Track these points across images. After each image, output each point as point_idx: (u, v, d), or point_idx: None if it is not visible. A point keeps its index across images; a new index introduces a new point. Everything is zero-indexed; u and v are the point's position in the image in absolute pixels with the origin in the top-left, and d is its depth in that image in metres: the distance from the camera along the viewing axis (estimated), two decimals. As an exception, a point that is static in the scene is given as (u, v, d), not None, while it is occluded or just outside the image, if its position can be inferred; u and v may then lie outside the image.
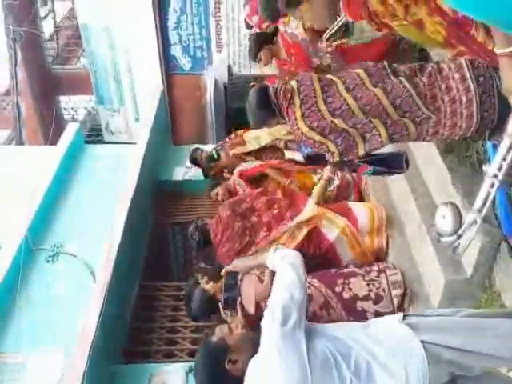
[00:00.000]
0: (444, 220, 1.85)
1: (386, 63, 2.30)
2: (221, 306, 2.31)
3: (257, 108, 2.53)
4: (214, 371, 1.77)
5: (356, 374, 1.62)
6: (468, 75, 2.03)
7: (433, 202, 3.35)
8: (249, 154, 4.36)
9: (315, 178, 3.85)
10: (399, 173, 3.33)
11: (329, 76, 2.40)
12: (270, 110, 2.47)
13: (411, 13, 1.38)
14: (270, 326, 1.70)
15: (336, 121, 2.26)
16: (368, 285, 3.25)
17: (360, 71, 2.31)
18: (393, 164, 3.03)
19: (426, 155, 3.45)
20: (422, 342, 1.67)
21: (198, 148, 4.73)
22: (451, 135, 2.25)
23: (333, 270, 3.69)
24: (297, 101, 2.32)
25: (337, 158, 2.37)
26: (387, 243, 3.59)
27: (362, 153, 2.35)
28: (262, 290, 3.03)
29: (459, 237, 1.82)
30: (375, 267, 3.62)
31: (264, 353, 1.69)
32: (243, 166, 4.13)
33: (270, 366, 1.65)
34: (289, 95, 2.33)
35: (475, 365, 1.68)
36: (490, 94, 2.04)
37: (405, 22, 1.43)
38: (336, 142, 2.29)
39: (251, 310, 2.28)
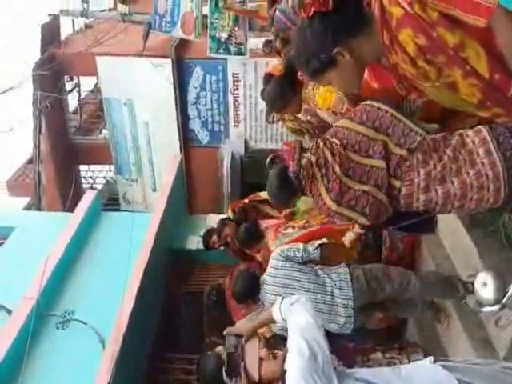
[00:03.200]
0: (485, 287, 1.76)
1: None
2: (224, 371, 2.16)
3: (278, 189, 2.54)
4: None
5: None
6: (493, 150, 1.97)
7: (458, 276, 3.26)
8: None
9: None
10: (428, 233, 3.25)
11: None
12: (291, 189, 2.48)
13: (444, 75, 1.39)
14: (296, 361, 1.57)
15: (358, 186, 2.24)
16: (389, 363, 3.13)
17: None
18: (422, 226, 2.95)
19: (449, 229, 3.39)
20: (458, 380, 1.55)
21: (212, 231, 4.53)
22: (477, 208, 2.16)
23: (350, 345, 3.57)
24: (318, 175, 2.32)
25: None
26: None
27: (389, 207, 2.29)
28: (275, 366, 2.90)
29: (503, 307, 1.71)
30: (396, 344, 3.49)
31: None
32: (280, 241, 3.67)
33: None
34: (310, 172, 2.34)
35: None
36: None
37: (437, 84, 1.44)
38: (364, 212, 2.25)
39: (255, 375, 2.12)
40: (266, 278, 3.16)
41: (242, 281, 3.21)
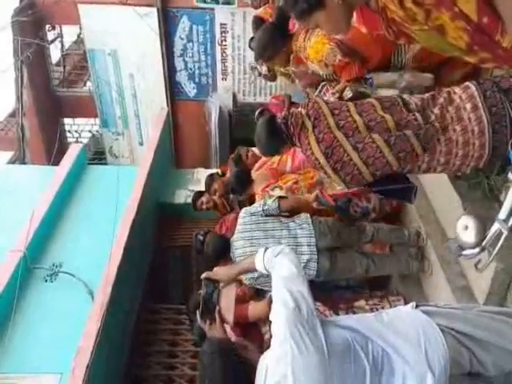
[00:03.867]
0: (466, 231, 1.78)
1: (398, 97, 2.28)
2: (198, 314, 2.19)
3: (267, 139, 2.51)
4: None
5: (374, 365, 1.55)
6: (480, 105, 1.99)
7: (442, 228, 3.31)
8: None
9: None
10: (406, 202, 3.30)
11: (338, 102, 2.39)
12: (280, 139, 2.44)
13: (432, 18, 1.35)
14: (281, 312, 1.60)
15: (349, 150, 2.20)
16: (372, 309, 3.27)
17: (372, 100, 2.28)
18: (401, 194, 2.98)
19: (434, 182, 3.42)
20: (438, 325, 1.61)
21: (200, 197, 4.53)
22: (462, 166, 2.19)
23: (335, 294, 3.69)
24: (308, 125, 2.27)
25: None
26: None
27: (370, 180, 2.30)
28: (262, 308, 2.98)
29: (483, 249, 1.75)
30: (378, 293, 3.62)
31: (277, 342, 1.57)
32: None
33: (285, 353, 1.53)
34: (300, 121, 2.30)
35: (488, 359, 1.61)
36: (503, 124, 2.00)
37: (425, 27, 1.40)
38: (345, 179, 2.24)
39: (230, 319, 2.15)
40: (234, 236, 3.31)
41: (213, 244, 3.35)
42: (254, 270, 2.00)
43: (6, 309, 3.62)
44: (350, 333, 1.62)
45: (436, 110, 2.10)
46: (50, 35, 7.67)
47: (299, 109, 2.37)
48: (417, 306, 1.75)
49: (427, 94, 2.20)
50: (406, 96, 2.32)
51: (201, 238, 3.51)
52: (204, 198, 4.41)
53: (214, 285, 2.12)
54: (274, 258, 1.83)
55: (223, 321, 2.11)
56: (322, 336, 1.55)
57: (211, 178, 4.42)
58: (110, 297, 3.61)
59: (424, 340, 1.59)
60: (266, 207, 3.30)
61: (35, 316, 3.71)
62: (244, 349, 1.70)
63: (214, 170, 5.44)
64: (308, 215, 3.36)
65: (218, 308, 2.10)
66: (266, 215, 3.31)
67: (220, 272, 2.19)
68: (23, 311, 3.72)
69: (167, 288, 5.13)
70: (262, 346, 2.56)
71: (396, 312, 1.78)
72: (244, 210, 3.42)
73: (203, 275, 2.20)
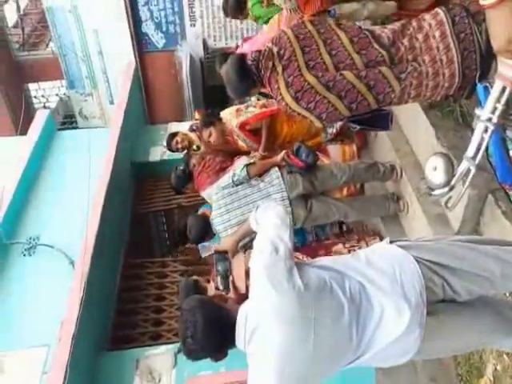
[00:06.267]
0: (435, 171, 1.77)
1: (367, 30, 2.21)
2: (216, 285, 2.26)
3: (236, 79, 2.37)
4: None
5: (352, 299, 1.58)
6: (448, 32, 1.98)
7: (417, 160, 3.26)
8: None
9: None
10: (384, 130, 3.23)
11: (309, 30, 2.24)
12: (249, 80, 2.33)
13: None
14: (257, 258, 1.64)
15: (319, 86, 2.13)
16: (349, 251, 3.36)
17: (342, 35, 2.19)
18: (378, 122, 2.91)
19: (408, 114, 3.36)
20: (413, 256, 1.66)
21: (175, 135, 4.39)
22: (433, 95, 2.18)
23: (314, 244, 3.76)
24: (278, 67, 2.19)
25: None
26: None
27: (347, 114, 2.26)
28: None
29: (452, 188, 1.73)
30: (355, 236, 3.68)
31: (254, 287, 1.61)
32: (242, 117, 3.85)
33: (263, 296, 1.56)
34: (270, 63, 2.21)
35: (459, 285, 1.66)
36: (471, 49, 1.98)
37: None
38: (320, 117, 2.19)
39: (242, 288, 2.20)
40: (212, 214, 3.37)
41: (195, 227, 3.38)
42: (251, 231, 2.04)
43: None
44: (326, 271, 1.64)
45: (405, 41, 2.08)
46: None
47: (270, 45, 2.27)
48: (391, 242, 1.78)
49: (398, 24, 2.17)
50: (377, 28, 2.26)
51: (181, 167, 3.83)
52: (178, 137, 4.28)
53: (225, 256, 2.24)
54: (264, 213, 1.87)
55: (236, 290, 2.17)
56: (297, 275, 1.56)
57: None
58: (91, 264, 3.58)
59: (399, 271, 1.62)
60: (236, 178, 3.32)
61: (17, 291, 3.70)
62: (224, 301, 1.70)
63: (188, 123, 5.29)
64: (276, 169, 3.36)
65: (231, 278, 2.18)
66: (237, 185, 3.33)
67: (224, 243, 2.37)
68: (4, 288, 3.71)
69: (150, 243, 5.12)
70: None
71: (371, 249, 1.82)
72: (216, 185, 3.46)
73: (213, 249, 2.35)
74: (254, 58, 2.29)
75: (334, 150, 4.14)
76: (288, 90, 2.16)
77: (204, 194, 3.79)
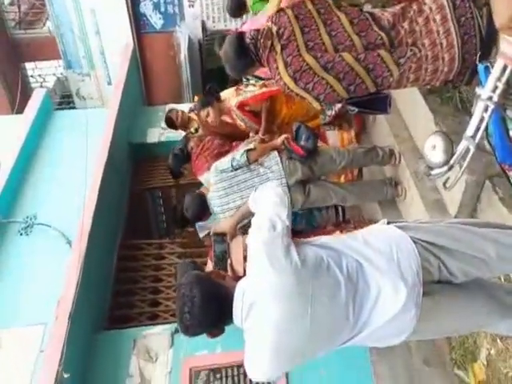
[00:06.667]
0: (434, 150, 1.76)
1: (367, 12, 2.20)
2: (214, 266, 2.30)
3: (234, 57, 2.36)
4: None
5: (349, 278, 1.58)
6: (449, 16, 1.97)
7: (415, 145, 3.26)
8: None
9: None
10: (382, 113, 3.22)
11: (309, 9, 2.23)
12: (247, 58, 2.33)
13: None
14: (255, 234, 1.64)
15: (318, 68, 2.14)
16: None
17: (342, 17, 2.19)
18: (377, 105, 2.90)
19: (407, 99, 3.35)
20: (411, 237, 1.66)
21: (174, 109, 4.34)
22: (432, 80, 2.18)
23: (311, 233, 3.79)
24: (277, 47, 2.19)
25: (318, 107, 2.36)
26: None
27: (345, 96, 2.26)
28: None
29: (451, 167, 1.74)
30: (351, 225, 3.70)
31: (252, 262, 1.62)
32: (241, 96, 3.81)
33: (260, 272, 1.56)
34: (269, 42, 2.20)
35: (455, 266, 1.66)
36: (472, 34, 1.98)
37: None
38: (318, 98, 2.20)
39: (240, 270, 2.23)
40: (210, 195, 3.36)
41: (192, 206, 3.36)
42: (250, 213, 2.03)
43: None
44: (323, 249, 1.64)
45: (405, 25, 2.07)
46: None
47: (270, 24, 2.26)
48: (388, 223, 1.79)
49: (398, 7, 2.16)
50: (377, 11, 2.25)
51: (179, 147, 3.84)
52: (179, 112, 4.19)
53: (223, 238, 2.29)
54: (262, 193, 1.87)
55: (234, 273, 2.19)
56: (295, 252, 1.56)
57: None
58: (88, 243, 3.57)
59: (396, 250, 1.63)
60: (235, 163, 3.30)
61: (14, 270, 3.71)
62: (222, 278, 1.70)
63: (186, 105, 5.26)
64: (276, 153, 3.34)
65: (229, 261, 2.21)
66: (236, 169, 3.32)
67: (223, 225, 2.43)
68: (1, 267, 3.70)
69: (148, 224, 5.11)
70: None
71: (368, 229, 1.82)
72: (214, 167, 3.41)
73: (212, 231, 2.39)
74: (252, 36, 2.28)
75: (333, 136, 4.14)
76: (286, 70, 2.16)
77: (201, 178, 3.76)
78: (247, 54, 2.31)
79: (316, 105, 2.30)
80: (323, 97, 2.18)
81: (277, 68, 2.20)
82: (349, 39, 2.12)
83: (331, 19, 2.20)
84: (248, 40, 2.29)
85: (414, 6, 2.07)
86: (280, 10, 2.29)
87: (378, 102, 3.11)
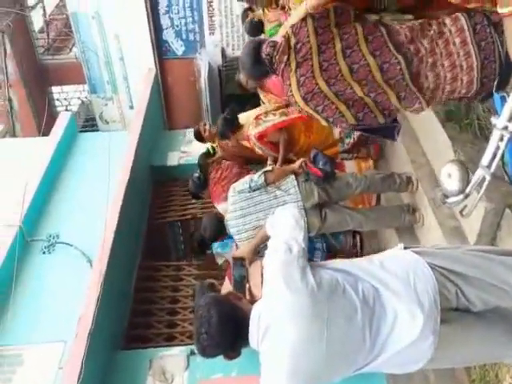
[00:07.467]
0: (450, 179, 1.76)
1: (383, 26, 2.15)
2: (232, 289, 2.31)
3: (250, 69, 2.43)
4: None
5: (365, 301, 1.58)
6: (469, 40, 1.96)
7: (433, 172, 3.27)
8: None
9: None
10: (390, 140, 3.25)
11: (329, 23, 2.20)
12: (263, 69, 2.37)
13: None
14: (271, 257, 1.67)
15: (329, 93, 2.16)
16: None
17: (359, 30, 2.15)
18: (385, 132, 2.93)
19: (426, 126, 3.36)
20: (428, 262, 1.66)
21: (202, 122, 4.54)
22: (448, 100, 2.21)
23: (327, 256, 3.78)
24: (293, 64, 2.19)
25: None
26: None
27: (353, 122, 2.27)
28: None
29: (467, 196, 1.73)
30: None
31: (268, 284, 1.63)
32: (261, 127, 3.86)
33: (276, 294, 1.58)
34: (284, 58, 2.20)
35: (473, 294, 1.65)
36: (492, 59, 1.96)
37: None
38: (327, 120, 2.23)
39: (258, 294, 2.17)
40: (227, 216, 3.42)
41: (210, 227, 3.50)
42: (268, 238, 2.02)
43: (6, 283, 3.68)
44: (339, 273, 1.65)
45: (426, 43, 2.05)
46: (31, 1, 7.42)
47: (290, 33, 2.22)
48: (405, 248, 1.78)
49: (416, 23, 2.13)
50: (395, 24, 2.18)
51: (197, 175, 4.00)
52: (206, 126, 4.31)
53: (242, 263, 2.30)
54: (277, 216, 1.90)
55: (253, 297, 2.19)
56: (311, 274, 1.58)
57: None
58: (108, 263, 3.63)
59: (413, 276, 1.63)
60: (253, 184, 3.35)
61: (36, 288, 3.77)
62: (239, 300, 1.73)
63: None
64: (293, 177, 3.39)
65: (248, 286, 2.22)
66: (253, 190, 3.37)
67: (241, 250, 2.43)
68: (23, 284, 3.78)
69: (167, 246, 5.16)
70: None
71: (385, 254, 1.82)
72: (232, 188, 3.47)
73: (232, 256, 2.39)
74: (268, 52, 2.29)
75: (350, 165, 4.18)
76: (299, 89, 2.18)
77: (219, 207, 3.83)
78: (263, 65, 2.35)
79: (325, 124, 2.33)
80: (332, 120, 2.22)
81: (290, 85, 2.23)
82: (363, 59, 2.11)
83: (349, 33, 2.16)
84: (263, 55, 2.32)
85: (434, 26, 2.05)
86: (303, 20, 2.22)
87: (385, 130, 3.15)
